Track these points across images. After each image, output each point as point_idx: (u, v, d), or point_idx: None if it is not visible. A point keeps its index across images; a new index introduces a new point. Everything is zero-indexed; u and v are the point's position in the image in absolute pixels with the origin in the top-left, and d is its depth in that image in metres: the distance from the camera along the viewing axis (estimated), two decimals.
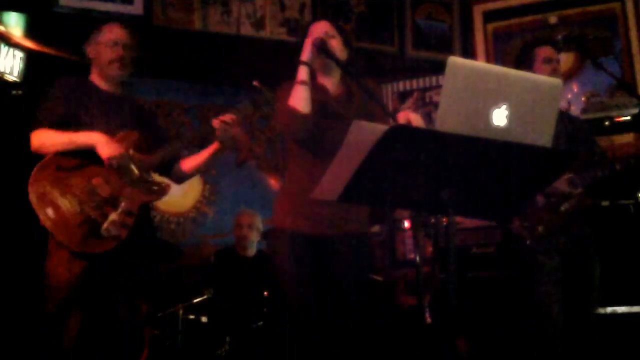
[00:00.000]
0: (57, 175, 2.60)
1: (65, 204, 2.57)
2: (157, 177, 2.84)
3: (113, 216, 2.60)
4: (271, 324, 4.02)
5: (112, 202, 2.62)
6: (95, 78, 2.86)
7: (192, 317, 4.06)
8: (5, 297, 3.82)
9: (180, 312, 3.98)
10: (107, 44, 2.82)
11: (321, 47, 2.52)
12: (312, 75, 2.58)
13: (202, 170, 2.99)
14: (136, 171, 2.69)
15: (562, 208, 2.80)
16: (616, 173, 2.80)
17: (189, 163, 2.92)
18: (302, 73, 2.50)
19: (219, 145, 2.81)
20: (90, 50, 2.86)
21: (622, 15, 4.82)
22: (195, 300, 4.12)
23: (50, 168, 2.61)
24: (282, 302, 2.54)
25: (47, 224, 2.54)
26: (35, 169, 2.59)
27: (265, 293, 4.19)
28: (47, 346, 2.59)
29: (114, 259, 2.62)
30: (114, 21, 2.91)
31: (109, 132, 2.70)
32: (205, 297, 4.17)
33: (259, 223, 4.60)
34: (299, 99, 2.47)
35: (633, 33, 4.76)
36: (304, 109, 2.47)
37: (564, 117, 3.00)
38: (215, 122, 2.72)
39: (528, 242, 2.76)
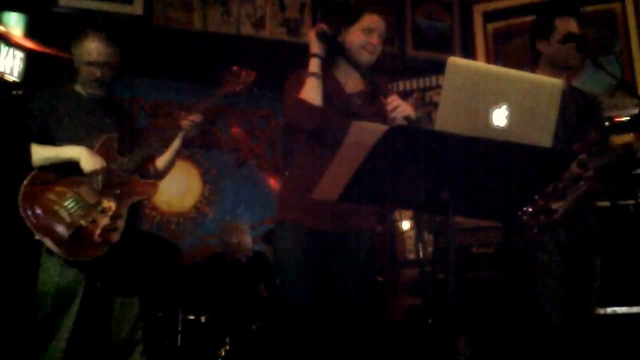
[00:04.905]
0: (43, 189, 2.66)
1: (55, 215, 2.63)
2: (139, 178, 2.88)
3: (104, 221, 2.65)
4: (271, 323, 4.02)
5: (100, 208, 2.67)
6: (78, 86, 2.89)
7: (192, 317, 4.06)
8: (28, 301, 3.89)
9: (180, 312, 3.98)
10: (87, 63, 2.81)
11: (323, 36, 2.50)
12: (328, 67, 2.56)
13: (171, 167, 3.06)
14: (120, 174, 2.74)
15: (572, 192, 2.60)
16: (620, 157, 2.59)
17: (161, 161, 3.00)
18: (313, 65, 2.48)
19: (180, 141, 2.96)
20: (74, 60, 2.87)
21: (622, 15, 4.82)
22: (195, 301, 4.12)
23: (35, 183, 2.67)
24: (282, 298, 2.52)
25: (39, 236, 2.60)
26: (22, 186, 2.65)
27: (265, 293, 4.19)
28: (39, 350, 2.64)
29: (107, 262, 2.67)
30: (95, 31, 2.86)
31: (90, 137, 2.75)
32: (205, 297, 4.18)
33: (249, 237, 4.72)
34: (311, 92, 2.44)
35: (633, 33, 4.76)
36: (315, 102, 2.44)
37: (574, 91, 2.85)
38: (184, 123, 2.88)
39: (535, 230, 2.59)
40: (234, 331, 4.01)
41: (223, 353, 3.92)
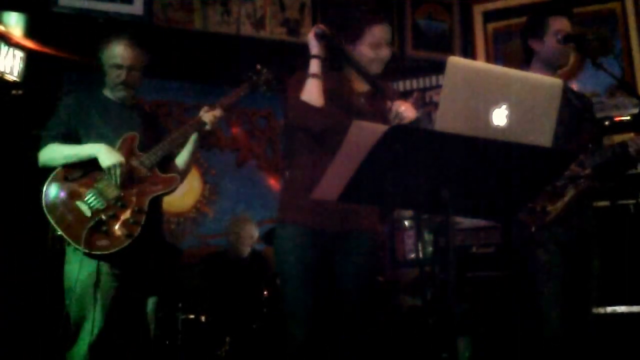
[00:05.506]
0: (66, 186, 2.72)
1: (76, 210, 2.68)
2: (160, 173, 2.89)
3: (124, 215, 2.70)
4: (271, 323, 4.02)
5: (121, 202, 2.71)
6: (107, 90, 2.95)
7: (192, 317, 4.06)
8: (29, 300, 3.98)
9: (180, 312, 3.98)
10: (112, 66, 2.87)
11: (322, 36, 2.52)
12: (339, 66, 2.58)
13: (191, 165, 3.05)
14: (140, 170, 2.78)
15: (569, 191, 2.62)
16: (617, 155, 2.58)
17: (181, 159, 3.00)
18: (314, 66, 2.50)
19: (198, 137, 2.98)
20: (102, 64, 2.91)
21: (622, 15, 4.82)
22: (195, 300, 4.12)
23: (58, 180, 2.73)
24: (283, 298, 2.52)
25: (60, 231, 2.65)
26: (46, 183, 2.71)
27: (265, 293, 4.19)
28: (67, 345, 2.67)
29: (128, 255, 2.70)
30: (120, 36, 2.91)
31: (117, 140, 2.81)
32: (205, 296, 4.18)
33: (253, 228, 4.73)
34: (311, 93, 2.46)
35: (633, 33, 4.76)
36: (316, 102, 2.45)
37: (570, 91, 2.84)
38: (208, 117, 2.92)
39: (533, 229, 2.61)
40: (234, 331, 4.01)
41: (223, 353, 3.92)
